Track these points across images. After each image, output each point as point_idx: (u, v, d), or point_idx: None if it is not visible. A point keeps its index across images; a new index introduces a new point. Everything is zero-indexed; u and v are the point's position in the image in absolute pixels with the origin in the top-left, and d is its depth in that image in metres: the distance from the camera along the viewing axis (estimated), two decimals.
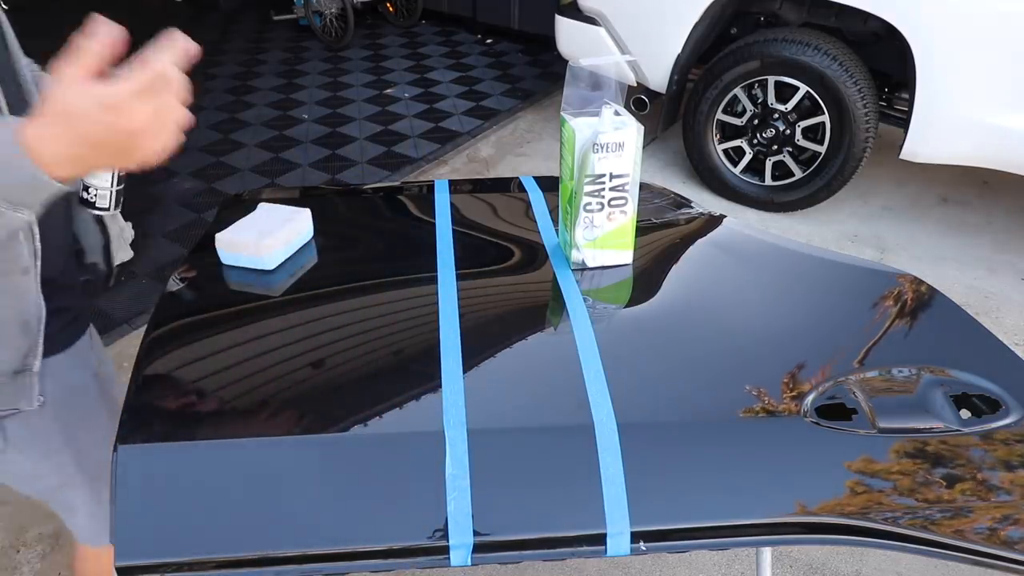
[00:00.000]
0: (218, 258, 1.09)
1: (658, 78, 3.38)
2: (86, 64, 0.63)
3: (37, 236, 0.90)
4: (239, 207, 1.21)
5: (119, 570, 0.70)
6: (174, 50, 0.68)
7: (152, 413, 0.82)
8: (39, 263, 0.91)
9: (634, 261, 1.11)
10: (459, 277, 1.04)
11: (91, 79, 0.63)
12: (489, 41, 5.73)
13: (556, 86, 4.72)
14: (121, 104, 0.63)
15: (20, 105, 0.89)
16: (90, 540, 1.16)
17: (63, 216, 1.02)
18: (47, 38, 1.14)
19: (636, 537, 0.74)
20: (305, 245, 1.14)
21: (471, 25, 5.95)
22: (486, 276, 1.09)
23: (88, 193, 0.95)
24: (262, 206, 1.15)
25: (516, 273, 1.11)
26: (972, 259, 3.10)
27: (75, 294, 1.07)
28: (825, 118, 3.07)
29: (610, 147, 0.99)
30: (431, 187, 1.33)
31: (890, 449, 0.82)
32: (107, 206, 0.96)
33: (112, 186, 0.96)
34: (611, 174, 1.01)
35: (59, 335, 1.00)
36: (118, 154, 0.66)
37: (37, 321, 0.94)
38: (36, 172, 0.65)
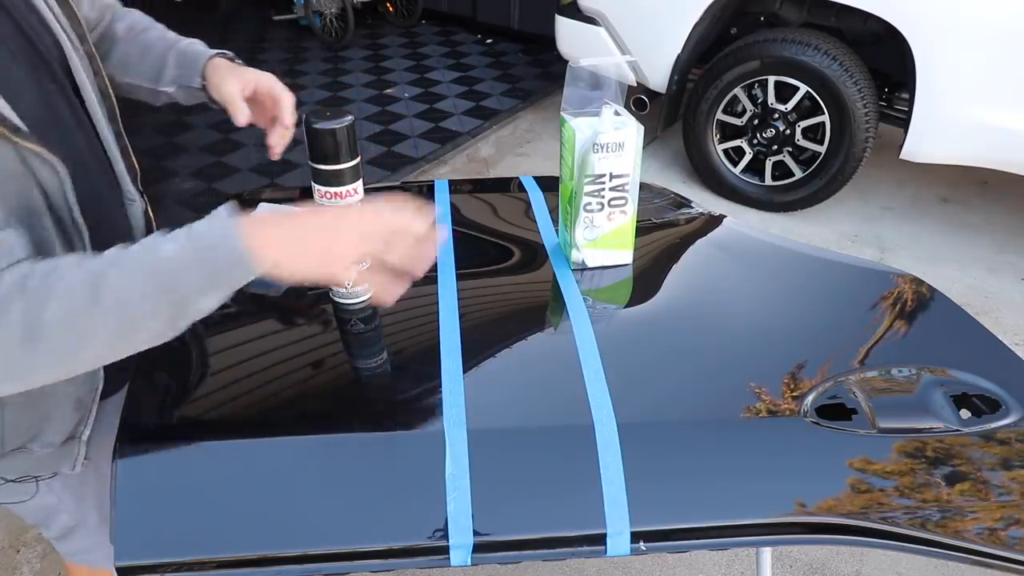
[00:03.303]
0: None
1: (658, 78, 3.37)
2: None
3: None
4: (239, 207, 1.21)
5: (119, 570, 0.70)
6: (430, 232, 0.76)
7: (152, 414, 0.82)
8: None
9: (634, 261, 1.11)
10: (459, 277, 1.04)
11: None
12: (489, 41, 5.73)
13: (556, 86, 4.72)
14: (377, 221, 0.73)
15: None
16: (88, 563, 1.14)
17: None
18: None
19: (636, 537, 0.74)
20: None
21: (471, 25, 5.95)
22: (486, 276, 1.09)
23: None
24: (262, 206, 1.15)
25: (516, 273, 1.11)
26: (972, 259, 3.10)
27: None
28: (825, 118, 3.07)
29: (610, 147, 0.99)
30: (431, 187, 1.33)
31: (890, 449, 0.82)
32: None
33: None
34: (611, 174, 1.01)
35: (119, 374, 0.94)
36: (319, 256, 0.72)
37: (92, 393, 0.91)
38: (246, 256, 0.68)
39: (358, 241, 0.73)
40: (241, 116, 0.98)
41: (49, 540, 1.12)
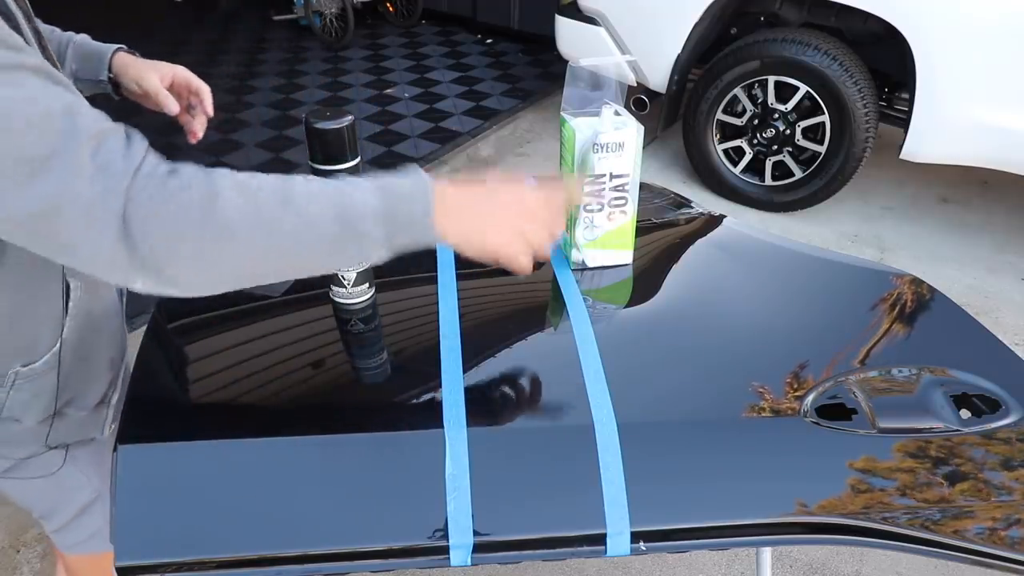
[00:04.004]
0: None
1: (658, 78, 3.37)
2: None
3: None
4: None
5: (119, 570, 0.70)
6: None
7: (152, 413, 0.82)
8: (124, 300, 1.01)
9: (634, 261, 1.11)
10: (459, 277, 1.04)
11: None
12: (489, 41, 5.73)
13: (556, 86, 4.72)
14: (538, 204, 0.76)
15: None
16: (95, 548, 1.15)
17: None
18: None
19: (636, 537, 0.74)
20: None
21: (471, 25, 5.95)
22: (486, 276, 1.09)
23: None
24: None
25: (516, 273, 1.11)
26: (972, 259, 3.10)
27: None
28: (825, 118, 3.07)
29: (610, 147, 0.99)
30: None
31: (890, 449, 0.82)
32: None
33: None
34: (611, 174, 1.01)
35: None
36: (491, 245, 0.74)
37: (121, 355, 1.01)
38: (428, 223, 0.69)
39: (533, 223, 0.76)
40: (173, 106, 1.05)
41: (52, 534, 1.12)
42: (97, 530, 1.10)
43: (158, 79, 1.04)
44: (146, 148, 0.64)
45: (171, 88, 1.06)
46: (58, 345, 0.87)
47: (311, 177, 0.68)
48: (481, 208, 0.74)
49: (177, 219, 0.61)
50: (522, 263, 0.76)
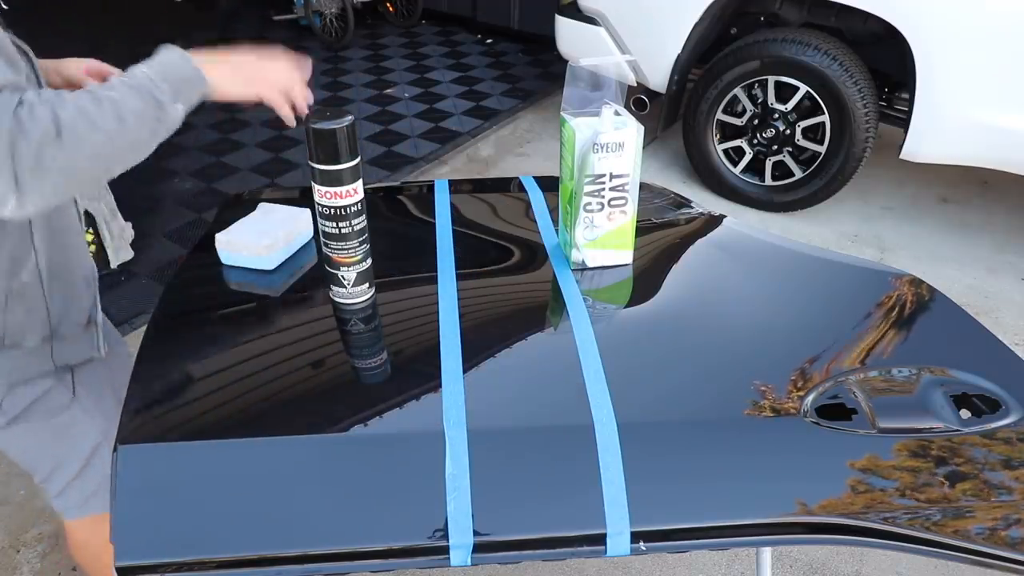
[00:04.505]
0: (218, 258, 1.09)
1: (658, 78, 3.37)
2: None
3: (80, 203, 1.10)
4: (239, 207, 1.21)
5: (119, 570, 0.70)
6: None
7: (152, 413, 0.82)
8: (83, 225, 1.09)
9: (634, 261, 1.11)
10: (459, 277, 1.04)
11: None
12: (489, 41, 5.73)
13: (556, 86, 4.72)
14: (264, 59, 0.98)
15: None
16: (100, 508, 1.16)
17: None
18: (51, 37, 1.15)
19: (636, 537, 0.74)
20: (305, 245, 1.14)
21: (471, 25, 5.95)
22: (486, 276, 1.09)
23: None
24: (262, 206, 1.15)
25: (516, 273, 1.11)
26: (972, 259, 3.10)
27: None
28: (825, 118, 3.07)
29: (610, 147, 0.99)
30: (431, 187, 1.33)
31: (890, 449, 0.82)
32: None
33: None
34: (611, 174, 1.01)
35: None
36: (249, 80, 0.95)
37: (93, 277, 1.13)
38: (198, 71, 0.89)
39: (276, 73, 0.97)
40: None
41: (55, 499, 1.15)
42: (99, 486, 1.15)
43: (75, 68, 1.15)
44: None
45: (87, 75, 1.16)
46: (34, 255, 0.98)
47: (108, 86, 0.83)
48: (231, 59, 0.94)
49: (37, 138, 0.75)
50: (276, 99, 0.97)
